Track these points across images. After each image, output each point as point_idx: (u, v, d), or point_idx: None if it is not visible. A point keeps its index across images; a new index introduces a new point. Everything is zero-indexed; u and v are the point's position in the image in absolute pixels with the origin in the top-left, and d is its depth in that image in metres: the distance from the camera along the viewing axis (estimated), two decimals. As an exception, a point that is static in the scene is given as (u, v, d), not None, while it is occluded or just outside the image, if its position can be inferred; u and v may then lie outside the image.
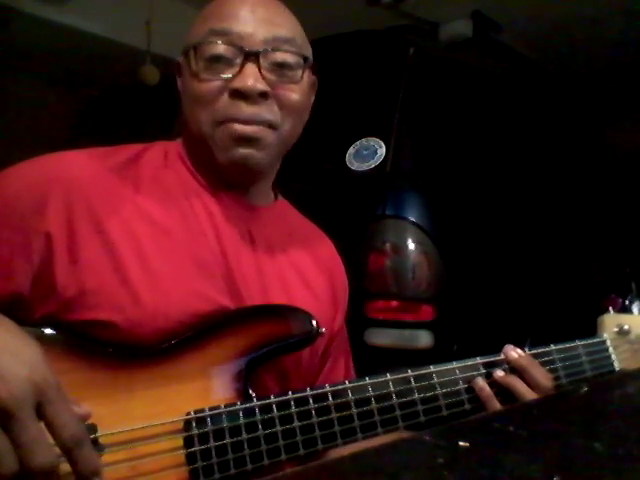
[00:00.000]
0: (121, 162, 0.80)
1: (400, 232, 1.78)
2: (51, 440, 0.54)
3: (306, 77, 0.84)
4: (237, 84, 0.77)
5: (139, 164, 0.81)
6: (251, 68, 0.77)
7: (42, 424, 0.54)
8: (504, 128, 2.30)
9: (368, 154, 1.86)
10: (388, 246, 1.77)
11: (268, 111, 0.79)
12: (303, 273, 0.89)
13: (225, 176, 0.83)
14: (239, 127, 0.78)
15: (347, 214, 1.84)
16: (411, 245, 1.76)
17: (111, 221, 0.74)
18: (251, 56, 0.77)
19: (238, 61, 0.77)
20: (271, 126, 0.79)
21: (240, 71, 0.77)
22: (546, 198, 2.36)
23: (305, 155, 1.42)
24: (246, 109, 0.77)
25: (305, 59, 0.82)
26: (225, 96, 0.78)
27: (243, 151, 0.78)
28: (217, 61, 0.78)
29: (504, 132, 2.29)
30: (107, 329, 0.71)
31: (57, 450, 0.54)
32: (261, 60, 0.77)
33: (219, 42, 0.77)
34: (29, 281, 0.72)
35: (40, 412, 0.54)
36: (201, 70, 0.78)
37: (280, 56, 0.79)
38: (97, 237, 0.73)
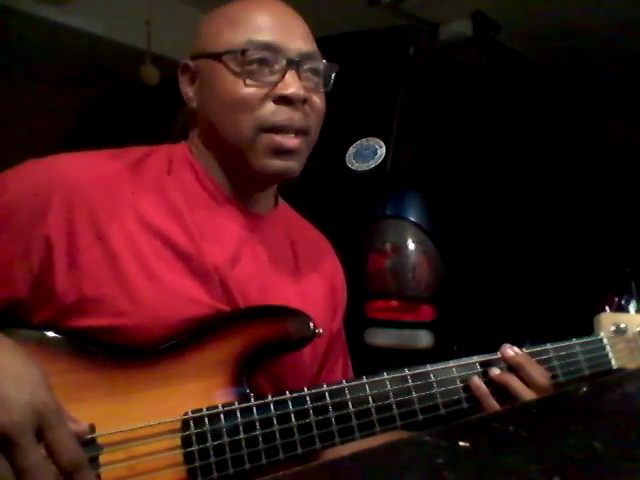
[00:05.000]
0: (125, 166, 0.80)
1: (400, 232, 1.77)
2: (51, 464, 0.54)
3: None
4: (283, 91, 0.79)
5: (142, 169, 0.81)
6: (292, 75, 0.79)
7: (42, 448, 0.54)
8: (504, 128, 2.29)
9: (368, 154, 1.86)
10: (388, 246, 1.76)
11: (306, 117, 0.81)
12: (303, 281, 0.90)
13: (251, 181, 0.84)
14: (281, 139, 0.80)
15: (347, 214, 1.83)
16: (411, 245, 1.75)
17: (112, 228, 0.74)
18: (292, 64, 0.80)
19: (278, 68, 0.80)
20: (305, 133, 0.82)
21: (282, 78, 0.79)
22: (546, 198, 2.36)
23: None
24: (292, 115, 0.80)
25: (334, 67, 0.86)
26: (269, 102, 0.80)
27: (282, 163, 0.81)
28: (260, 67, 0.80)
29: (504, 132, 2.29)
30: (106, 335, 0.71)
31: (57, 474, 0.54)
32: (300, 68, 0.80)
33: (262, 49, 0.79)
34: (28, 286, 0.72)
35: (40, 436, 0.54)
36: (244, 75, 0.79)
37: (316, 64, 0.83)
38: (97, 244, 0.73)
